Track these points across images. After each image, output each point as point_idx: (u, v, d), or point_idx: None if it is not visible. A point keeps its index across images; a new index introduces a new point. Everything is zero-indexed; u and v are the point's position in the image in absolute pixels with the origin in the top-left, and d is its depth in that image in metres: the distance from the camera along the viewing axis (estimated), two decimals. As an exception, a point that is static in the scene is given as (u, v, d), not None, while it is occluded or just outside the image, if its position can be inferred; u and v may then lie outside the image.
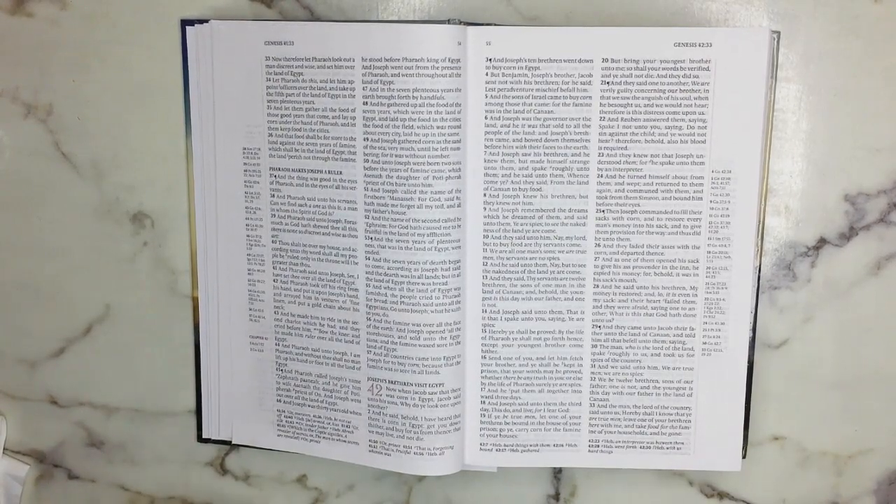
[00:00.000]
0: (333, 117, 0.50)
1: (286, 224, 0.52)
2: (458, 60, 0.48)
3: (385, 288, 0.50)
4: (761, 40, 0.48)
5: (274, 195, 0.52)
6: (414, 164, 0.49)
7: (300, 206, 0.51)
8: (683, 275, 0.50)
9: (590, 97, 0.49)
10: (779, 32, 0.50)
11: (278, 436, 0.55)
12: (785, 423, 0.54)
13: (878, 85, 0.50)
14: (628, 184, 0.49)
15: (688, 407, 0.51)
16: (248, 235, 0.53)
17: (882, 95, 0.50)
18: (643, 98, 0.48)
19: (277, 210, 0.52)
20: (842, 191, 0.51)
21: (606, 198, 0.50)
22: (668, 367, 0.51)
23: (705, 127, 0.49)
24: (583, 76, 0.48)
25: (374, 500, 0.58)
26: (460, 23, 0.49)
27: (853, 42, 0.50)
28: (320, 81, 0.49)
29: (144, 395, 0.58)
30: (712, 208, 0.49)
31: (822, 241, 0.52)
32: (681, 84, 0.48)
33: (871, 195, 0.51)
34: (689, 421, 0.52)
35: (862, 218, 0.51)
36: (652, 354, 0.51)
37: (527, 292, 0.51)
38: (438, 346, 0.50)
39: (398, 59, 0.48)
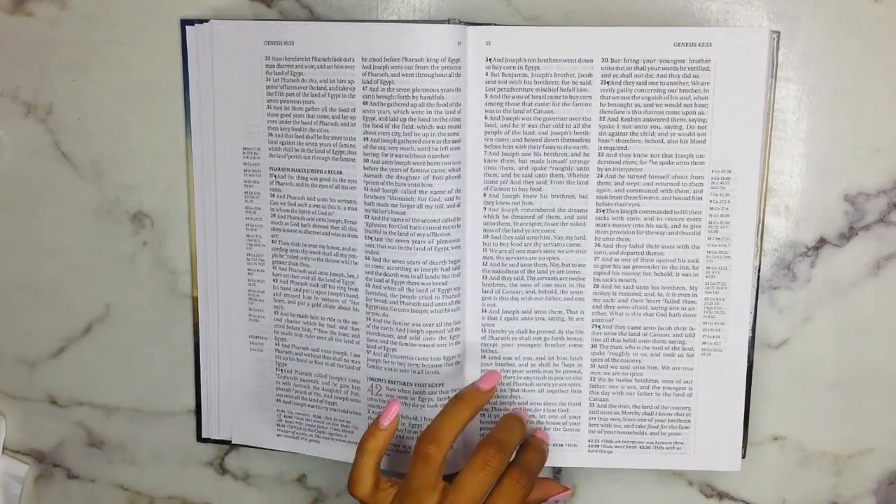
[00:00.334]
0: (333, 117, 0.50)
1: (286, 224, 0.52)
2: (458, 60, 0.48)
3: (385, 288, 0.50)
4: (761, 40, 0.48)
5: (274, 195, 0.52)
6: (414, 163, 0.49)
7: (300, 205, 0.51)
8: (683, 275, 0.50)
9: (590, 97, 0.49)
10: (779, 32, 0.50)
11: (278, 436, 0.55)
12: (785, 423, 0.54)
13: (878, 85, 0.50)
14: (628, 184, 0.49)
15: (687, 407, 0.51)
16: (247, 235, 0.53)
17: (882, 95, 0.50)
18: (643, 98, 0.48)
19: (277, 210, 0.52)
20: (842, 191, 0.51)
21: (606, 198, 0.50)
22: (668, 367, 0.51)
23: (705, 127, 0.49)
24: (583, 76, 0.48)
25: (374, 500, 0.58)
26: (460, 23, 0.49)
27: (853, 42, 0.50)
28: (320, 81, 0.49)
29: (144, 395, 0.58)
30: (712, 208, 0.49)
31: (822, 241, 0.52)
32: (681, 84, 0.48)
33: (871, 195, 0.51)
34: (689, 421, 0.52)
35: (862, 218, 0.51)
36: (652, 354, 0.51)
37: (527, 292, 0.51)
38: (438, 346, 0.50)
39: (398, 59, 0.48)
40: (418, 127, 0.48)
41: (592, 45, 0.48)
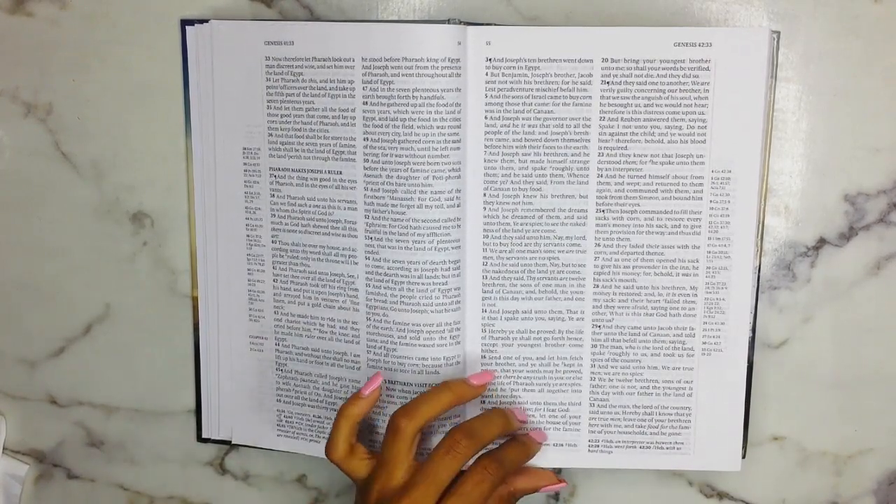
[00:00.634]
0: (333, 117, 0.50)
1: (286, 224, 0.52)
2: (458, 60, 0.48)
3: (385, 288, 0.50)
4: (761, 40, 0.48)
5: (274, 195, 0.52)
6: (414, 163, 0.49)
7: (300, 206, 0.51)
8: (683, 275, 0.50)
9: (590, 97, 0.49)
10: (779, 32, 0.50)
11: (278, 436, 0.55)
12: (784, 423, 0.54)
13: (878, 85, 0.50)
14: (628, 184, 0.49)
15: (687, 407, 0.51)
16: (247, 235, 0.53)
17: (882, 95, 0.50)
18: (643, 98, 0.48)
19: (277, 210, 0.52)
20: (842, 191, 0.51)
21: (606, 198, 0.50)
22: (668, 367, 0.51)
23: (705, 127, 0.49)
24: (583, 76, 0.48)
25: (374, 500, 0.58)
26: (460, 23, 0.49)
27: (853, 42, 0.50)
28: (320, 81, 0.49)
29: (144, 395, 0.58)
30: (712, 208, 0.49)
31: (822, 241, 0.52)
32: (681, 84, 0.48)
33: (870, 195, 0.51)
34: (689, 421, 0.52)
35: (862, 218, 0.52)
36: (652, 354, 0.51)
37: (527, 292, 0.51)
38: (438, 346, 0.50)
39: (398, 59, 0.48)
40: (418, 127, 0.48)
41: (592, 45, 0.48)
